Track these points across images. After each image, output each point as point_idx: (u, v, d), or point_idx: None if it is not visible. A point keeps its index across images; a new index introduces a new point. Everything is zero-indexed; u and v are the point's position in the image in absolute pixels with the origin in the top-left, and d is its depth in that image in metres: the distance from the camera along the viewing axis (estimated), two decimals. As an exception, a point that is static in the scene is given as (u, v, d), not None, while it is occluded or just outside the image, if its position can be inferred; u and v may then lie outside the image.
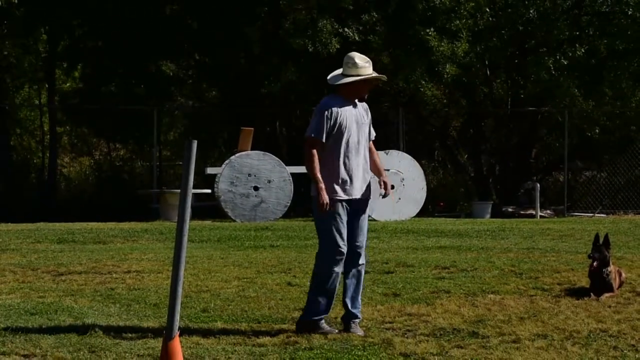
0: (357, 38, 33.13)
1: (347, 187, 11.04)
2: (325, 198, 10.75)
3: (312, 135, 10.90)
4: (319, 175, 10.83)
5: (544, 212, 33.22)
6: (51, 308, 12.29)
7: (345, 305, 11.11)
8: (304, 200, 31.72)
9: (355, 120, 11.11)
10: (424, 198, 29.04)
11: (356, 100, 11.21)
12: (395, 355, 9.80)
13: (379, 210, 27.80)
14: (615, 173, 40.21)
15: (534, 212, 32.42)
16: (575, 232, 23.01)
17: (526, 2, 33.39)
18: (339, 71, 11.22)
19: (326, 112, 10.84)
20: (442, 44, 31.82)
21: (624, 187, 38.92)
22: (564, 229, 24.20)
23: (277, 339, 10.59)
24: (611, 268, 13.56)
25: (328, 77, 11.36)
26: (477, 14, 32.85)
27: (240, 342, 10.38)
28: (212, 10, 34.64)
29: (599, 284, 13.43)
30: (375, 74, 11.24)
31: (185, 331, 10.83)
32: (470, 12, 32.72)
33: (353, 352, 9.89)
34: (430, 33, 31.99)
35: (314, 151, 10.87)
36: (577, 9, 34.82)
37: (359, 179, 11.21)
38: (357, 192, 11.15)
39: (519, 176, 36.34)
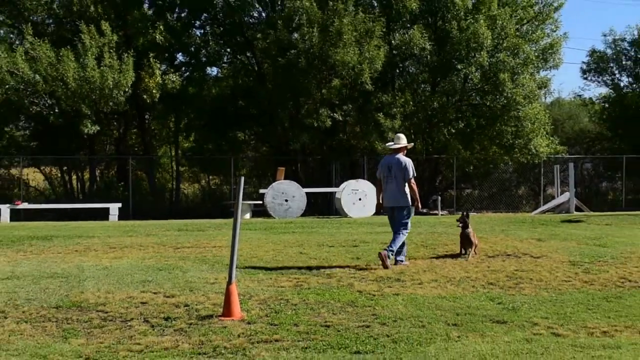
0: (340, 119, 33.18)
1: None
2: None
3: (414, 175, 12.70)
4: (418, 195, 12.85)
5: (443, 212, 33.13)
6: (170, 266, 12.30)
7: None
8: (312, 208, 31.97)
9: None
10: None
11: None
12: (354, 291, 9.85)
13: (354, 212, 27.81)
14: (482, 190, 40.32)
15: (437, 213, 32.35)
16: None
17: (431, 98, 33.49)
18: (391, 142, 13.12)
19: (412, 163, 12.70)
20: (387, 121, 31.79)
21: (486, 198, 38.99)
22: (453, 221, 23.97)
23: (291, 282, 10.64)
24: (470, 229, 13.81)
25: (387, 144, 13.61)
26: (406, 105, 32.81)
27: (271, 285, 10.43)
28: (262, 103, 34.78)
29: (465, 239, 13.65)
30: (409, 144, 13.25)
31: (241, 280, 10.87)
32: (402, 104, 32.70)
33: (331, 290, 9.92)
34: (380, 115, 31.97)
35: (415, 183, 12.72)
36: (460, 102, 34.83)
37: None
38: None
39: (430, 193, 36.28)
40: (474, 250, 13.86)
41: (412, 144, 14.42)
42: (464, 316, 8.16)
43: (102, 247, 15.90)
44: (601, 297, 9.39)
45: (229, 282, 8.30)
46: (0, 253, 14.97)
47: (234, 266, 8.47)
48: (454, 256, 13.79)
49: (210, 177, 45.38)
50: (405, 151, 12.89)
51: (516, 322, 7.85)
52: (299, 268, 12.26)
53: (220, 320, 7.99)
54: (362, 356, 6.56)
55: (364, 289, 9.98)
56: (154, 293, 9.72)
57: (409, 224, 12.84)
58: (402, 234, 12.61)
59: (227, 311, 8.18)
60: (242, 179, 8.64)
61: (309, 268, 12.27)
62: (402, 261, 12.49)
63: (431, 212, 33.00)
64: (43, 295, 9.62)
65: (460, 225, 13.91)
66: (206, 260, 13.33)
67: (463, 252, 13.76)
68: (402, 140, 12.88)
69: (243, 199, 27.92)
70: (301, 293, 9.71)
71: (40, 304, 9.03)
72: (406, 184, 12.56)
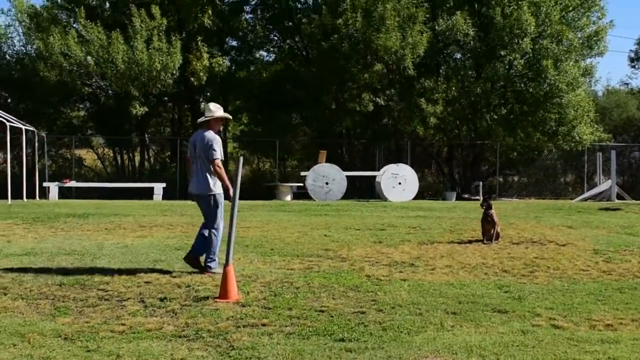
0: (382, 103, 32.62)
1: None
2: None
3: (219, 157, 9.42)
4: (227, 181, 9.50)
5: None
6: (188, 246, 11.76)
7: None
8: (355, 191, 31.60)
9: None
10: (417, 190, 28.42)
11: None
12: (362, 276, 9.40)
13: (393, 196, 27.37)
14: (527, 176, 39.49)
15: (479, 199, 31.70)
16: (495, 209, 22.38)
17: (474, 84, 32.66)
18: (202, 117, 9.74)
19: (220, 142, 9.59)
20: (428, 107, 31.27)
21: (531, 184, 38.17)
22: (489, 207, 23.50)
23: (303, 265, 10.25)
24: (493, 211, 13.38)
25: (198, 121, 9.98)
26: (448, 91, 32.18)
27: (282, 267, 10.04)
28: (308, 88, 34.21)
29: (488, 221, 13.14)
30: (224, 114, 9.89)
31: (254, 261, 10.59)
32: (444, 89, 32.06)
33: (339, 274, 9.49)
34: (422, 101, 31.42)
35: (222, 167, 9.53)
36: (503, 88, 34.00)
37: None
38: None
39: (472, 179, 35.57)
40: (499, 230, 13.42)
41: (228, 115, 10.27)
42: (465, 304, 7.68)
43: (132, 225, 15.71)
44: (615, 288, 8.81)
45: (226, 264, 7.94)
46: (32, 229, 14.88)
47: (232, 248, 8.11)
48: (477, 242, 13.27)
49: (261, 159, 45.26)
50: (220, 125, 10.02)
51: (518, 312, 7.35)
52: (317, 250, 11.87)
53: (214, 302, 7.64)
54: (345, 344, 6.14)
55: (373, 274, 9.53)
56: (162, 273, 9.43)
57: (219, 218, 9.79)
58: (213, 233, 9.78)
59: (223, 293, 7.83)
60: (242, 158, 8.26)
61: (327, 250, 11.88)
62: (210, 267, 9.64)
63: (472, 197, 32.39)
64: (52, 272, 9.39)
65: (484, 206, 13.42)
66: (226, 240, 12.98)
67: (486, 239, 13.24)
68: (214, 112, 9.71)
69: (287, 182, 27.60)
70: (308, 276, 9.30)
71: (46, 280, 8.79)
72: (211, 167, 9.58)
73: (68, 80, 31.46)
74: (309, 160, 40.94)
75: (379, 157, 34.81)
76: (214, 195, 9.64)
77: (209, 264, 9.64)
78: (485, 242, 13.13)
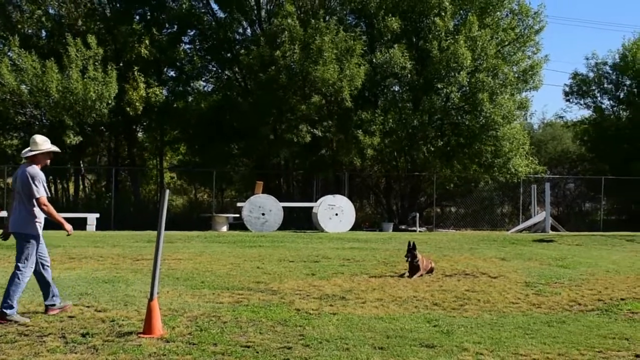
0: (320, 134, 32.69)
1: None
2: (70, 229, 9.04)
3: (43, 195, 8.61)
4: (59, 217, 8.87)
5: (421, 229, 32.64)
6: (117, 279, 11.78)
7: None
8: (293, 222, 31.49)
9: None
10: (354, 221, 28.47)
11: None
12: (292, 310, 9.29)
13: (330, 227, 27.35)
14: (464, 207, 39.80)
15: (415, 229, 31.86)
16: (431, 240, 22.50)
17: (412, 116, 32.80)
18: (27, 149, 8.88)
19: (43, 178, 8.70)
20: (366, 138, 31.34)
21: (468, 215, 38.47)
22: (425, 238, 23.62)
23: (232, 298, 10.09)
24: (419, 257, 13.23)
25: (22, 153, 8.94)
26: (385, 122, 32.24)
27: (210, 301, 9.88)
28: (247, 118, 34.00)
29: (413, 268, 13.00)
30: (52, 148, 8.98)
31: (182, 294, 10.38)
32: (381, 121, 32.14)
33: (268, 308, 9.37)
34: (359, 132, 31.50)
35: (48, 204, 8.73)
36: (440, 120, 34.30)
37: None
38: None
39: (409, 210, 35.72)
40: (432, 265, 13.50)
41: (56, 149, 9.08)
42: (393, 339, 7.63)
43: (62, 257, 15.37)
44: (544, 322, 8.86)
45: (150, 299, 7.77)
46: (-44, 262, 14.45)
47: (156, 281, 7.94)
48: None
49: (197, 188, 44.92)
50: (47, 160, 9.08)
51: (445, 347, 7.33)
52: (248, 283, 11.72)
53: (138, 338, 7.47)
54: (268, 381, 6.04)
55: (303, 307, 9.44)
56: (87, 307, 9.22)
57: (29, 261, 8.77)
58: (19, 275, 8.68)
59: (147, 328, 7.66)
60: (167, 192, 8.11)
61: (258, 283, 11.75)
62: (7, 314, 8.46)
63: (409, 228, 32.54)
64: (-29, 307, 9.09)
65: (408, 259, 13.34)
66: (158, 273, 12.76)
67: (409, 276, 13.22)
68: (41, 146, 8.88)
69: (225, 212, 27.25)
70: (236, 310, 9.16)
71: (-36, 316, 8.50)
72: (34, 206, 8.71)
73: (1, 109, 30.95)
74: (247, 190, 40.77)
75: (317, 188, 34.75)
76: (29, 235, 8.74)
77: (4, 310, 8.47)
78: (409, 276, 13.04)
